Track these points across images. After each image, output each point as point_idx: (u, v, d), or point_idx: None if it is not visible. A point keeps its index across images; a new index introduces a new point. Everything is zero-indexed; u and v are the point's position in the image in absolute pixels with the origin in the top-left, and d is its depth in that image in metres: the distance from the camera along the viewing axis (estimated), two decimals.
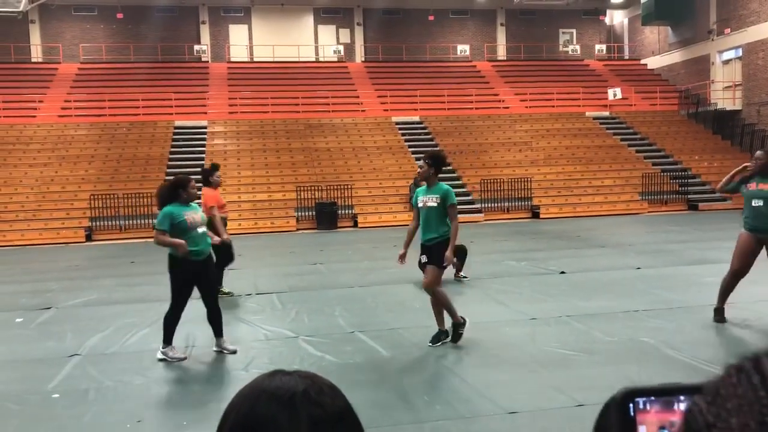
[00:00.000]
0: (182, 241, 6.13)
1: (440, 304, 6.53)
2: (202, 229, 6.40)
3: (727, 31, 28.43)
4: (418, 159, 24.66)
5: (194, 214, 6.40)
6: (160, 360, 6.32)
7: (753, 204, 6.61)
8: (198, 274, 6.35)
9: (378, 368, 5.96)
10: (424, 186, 6.55)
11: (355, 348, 6.57)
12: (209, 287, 6.57)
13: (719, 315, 7.05)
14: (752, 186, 6.64)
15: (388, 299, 8.98)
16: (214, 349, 6.57)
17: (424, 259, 6.54)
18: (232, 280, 10.22)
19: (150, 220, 19.91)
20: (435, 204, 6.34)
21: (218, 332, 6.58)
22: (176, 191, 6.37)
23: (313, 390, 0.75)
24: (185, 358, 6.38)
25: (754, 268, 6.93)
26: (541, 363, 5.86)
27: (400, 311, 8.25)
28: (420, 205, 6.46)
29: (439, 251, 6.38)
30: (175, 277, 6.32)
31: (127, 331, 7.54)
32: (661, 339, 6.41)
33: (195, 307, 8.89)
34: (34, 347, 7.12)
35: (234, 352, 6.52)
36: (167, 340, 6.38)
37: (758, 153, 6.93)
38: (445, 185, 6.47)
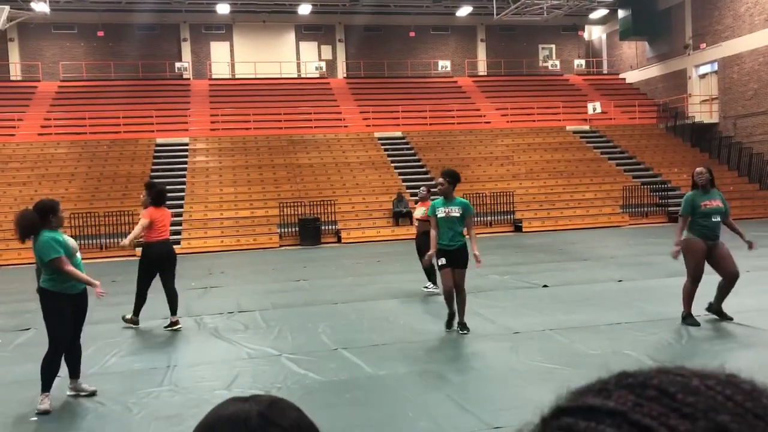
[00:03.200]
0: (97, 282, 5.64)
1: (463, 302, 7.64)
2: (79, 255, 5.81)
3: (703, 45, 28.92)
4: (401, 174, 24.77)
5: (73, 239, 5.88)
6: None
7: (713, 219, 7.44)
8: (74, 308, 5.75)
9: (362, 385, 5.93)
10: (441, 198, 7.64)
11: (339, 365, 6.53)
12: (82, 321, 5.97)
13: (691, 319, 7.44)
14: (707, 204, 7.43)
15: (372, 315, 8.95)
16: (68, 393, 5.88)
17: (442, 261, 7.53)
18: (214, 297, 10.15)
19: None
20: (458, 214, 7.48)
21: (75, 373, 5.96)
22: (46, 216, 5.63)
23: (268, 411, 0.75)
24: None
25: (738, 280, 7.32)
26: (525, 377, 5.86)
27: (384, 327, 8.22)
28: (443, 215, 7.51)
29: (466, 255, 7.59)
30: (56, 310, 5.62)
31: (108, 352, 7.44)
32: (643, 351, 6.45)
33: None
34: (12, 369, 7.00)
35: (93, 393, 5.83)
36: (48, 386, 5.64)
37: (700, 169, 7.71)
38: (463, 199, 7.83)
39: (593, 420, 0.50)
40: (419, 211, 10.62)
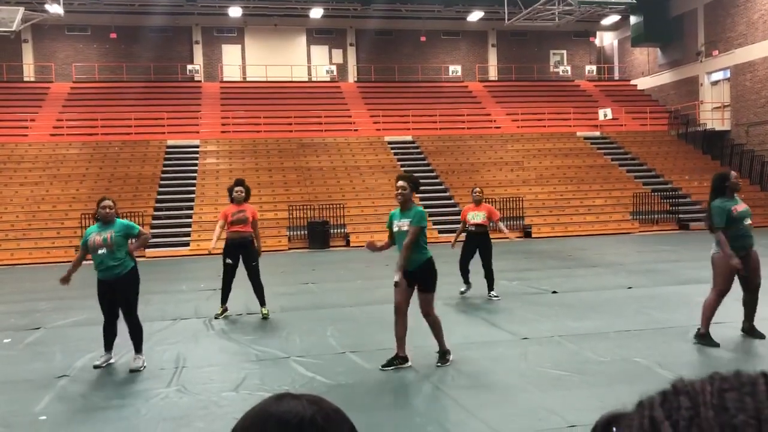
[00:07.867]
0: (63, 275, 7.06)
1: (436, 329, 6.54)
2: (102, 250, 6.64)
3: (716, 52, 28.78)
4: None
5: (100, 235, 6.68)
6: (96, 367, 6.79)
7: (745, 222, 6.83)
8: (104, 292, 6.76)
9: (369, 389, 5.92)
10: (398, 209, 6.47)
11: (347, 368, 6.53)
12: (123, 306, 6.80)
13: (709, 339, 6.88)
14: (737, 208, 6.81)
15: (381, 319, 8.93)
16: (131, 366, 6.74)
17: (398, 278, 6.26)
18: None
19: None
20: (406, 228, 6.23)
21: (138, 348, 6.88)
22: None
23: (320, 416, 0.74)
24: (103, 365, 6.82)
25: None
26: (533, 383, 5.84)
27: (392, 331, 8.20)
28: (396, 229, 6.37)
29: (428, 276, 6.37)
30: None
31: (117, 351, 7.45)
32: (653, 359, 6.41)
33: (185, 328, 8.84)
34: (21, 368, 7.03)
35: (107, 364, 6.86)
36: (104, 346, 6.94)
37: (735, 173, 7.11)
38: (418, 208, 6.43)
39: None
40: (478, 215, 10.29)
